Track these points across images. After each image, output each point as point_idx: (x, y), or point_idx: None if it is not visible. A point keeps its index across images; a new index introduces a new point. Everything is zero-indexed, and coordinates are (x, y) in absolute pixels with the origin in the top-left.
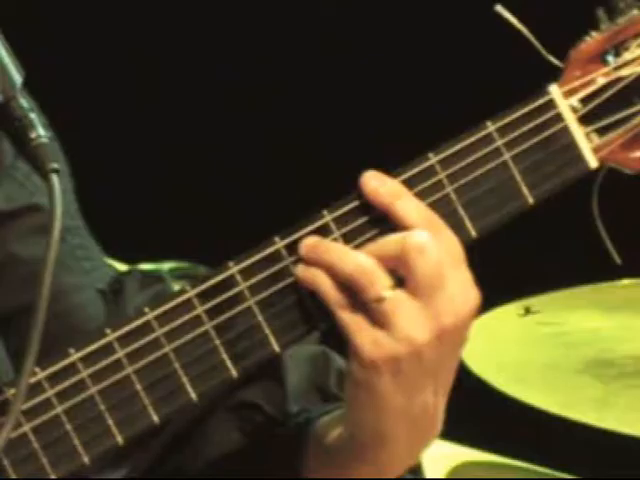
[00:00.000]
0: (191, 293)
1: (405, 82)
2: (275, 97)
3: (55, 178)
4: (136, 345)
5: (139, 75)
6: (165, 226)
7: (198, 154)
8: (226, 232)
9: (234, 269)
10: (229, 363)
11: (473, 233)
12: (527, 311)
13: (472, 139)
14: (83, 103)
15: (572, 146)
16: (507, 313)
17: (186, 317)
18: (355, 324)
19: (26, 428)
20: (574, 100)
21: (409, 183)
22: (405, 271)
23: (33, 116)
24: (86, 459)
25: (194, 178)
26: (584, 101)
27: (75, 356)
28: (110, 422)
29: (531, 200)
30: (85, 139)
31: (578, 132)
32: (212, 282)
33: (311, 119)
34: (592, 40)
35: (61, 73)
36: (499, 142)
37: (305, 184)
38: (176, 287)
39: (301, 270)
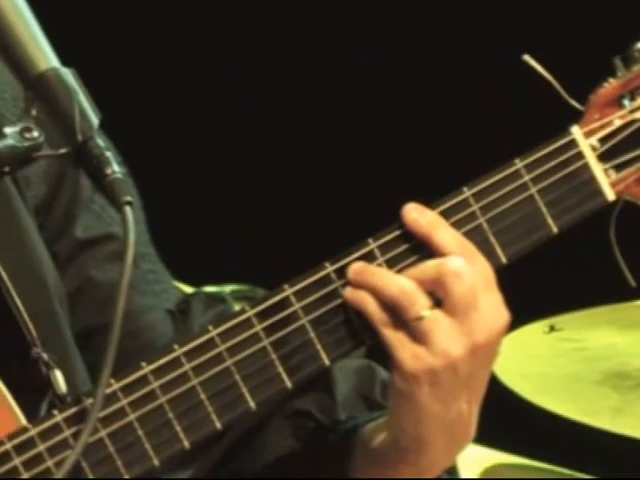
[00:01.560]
0: (250, 313)
1: (444, 125)
2: (328, 130)
3: (129, 210)
4: (201, 359)
5: (197, 114)
6: (226, 251)
7: (256, 183)
8: (281, 257)
9: (289, 291)
10: (284, 375)
11: (503, 259)
12: (551, 329)
13: (502, 175)
14: (147, 137)
15: (592, 181)
16: (534, 330)
17: (246, 334)
18: (397, 340)
19: (102, 434)
20: (593, 140)
21: (446, 214)
22: (442, 293)
23: (109, 154)
24: (156, 461)
25: (253, 209)
26: (602, 141)
27: (147, 369)
28: (178, 428)
29: (555, 229)
30: (154, 173)
31: (597, 168)
32: (269, 303)
33: (361, 152)
34: (609, 86)
35: (127, 111)
36: (526, 177)
37: (352, 211)
38: (237, 307)
39: (349, 292)
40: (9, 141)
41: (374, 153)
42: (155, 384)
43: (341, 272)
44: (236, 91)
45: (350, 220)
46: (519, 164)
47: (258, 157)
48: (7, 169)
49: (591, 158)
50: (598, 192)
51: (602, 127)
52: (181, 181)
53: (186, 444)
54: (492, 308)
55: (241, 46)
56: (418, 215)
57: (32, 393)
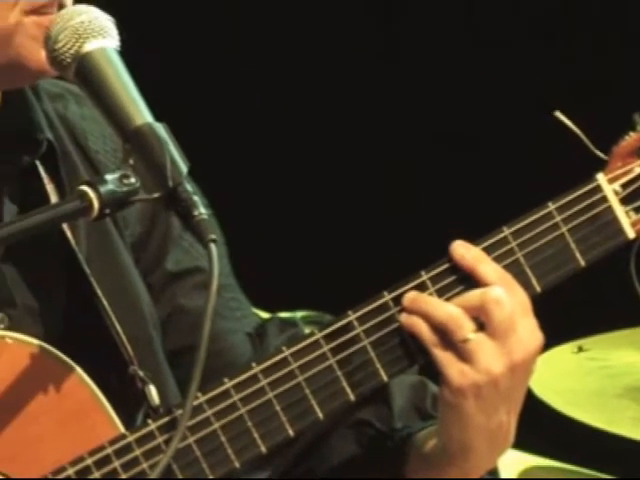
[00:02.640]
0: (319, 335)
1: (487, 172)
2: (393, 172)
3: (213, 247)
4: (276, 376)
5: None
6: (298, 281)
7: (319, 224)
8: (345, 286)
9: (352, 316)
10: (348, 390)
11: (538, 289)
12: (580, 349)
13: (537, 216)
14: (225, 174)
15: (614, 221)
16: (564, 351)
17: (315, 354)
18: (446, 359)
19: (190, 440)
20: (616, 185)
21: (488, 250)
22: (485, 318)
23: (196, 198)
24: (237, 464)
25: (319, 249)
26: (624, 186)
27: (229, 384)
28: (256, 435)
29: (583, 263)
30: (236, 212)
31: (619, 210)
32: (335, 327)
33: (413, 197)
34: (630, 138)
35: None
36: (558, 218)
37: (405, 245)
38: (307, 330)
39: (404, 317)
40: (110, 187)
41: (426, 198)
42: (236, 397)
43: (397, 300)
44: (315, 148)
45: (404, 253)
46: (551, 206)
47: (322, 198)
48: (108, 211)
49: (614, 201)
50: (620, 231)
51: (624, 174)
52: (260, 220)
53: (263, 449)
54: (528, 331)
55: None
56: (464, 251)
57: (130, 405)
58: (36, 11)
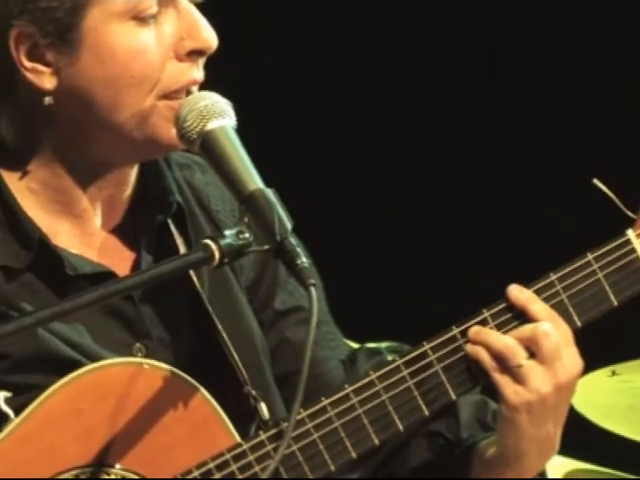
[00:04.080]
0: (399, 362)
1: (535, 229)
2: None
3: (313, 290)
4: (364, 395)
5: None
6: (383, 316)
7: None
8: (420, 321)
9: (427, 346)
10: (423, 406)
11: (579, 324)
12: (613, 373)
13: (578, 264)
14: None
15: None
16: (600, 375)
17: (396, 377)
18: (503, 381)
19: (294, 448)
20: None
21: (538, 292)
22: (535, 348)
23: (299, 249)
24: (333, 468)
25: (399, 288)
26: None
27: (326, 402)
28: (347, 444)
29: (615, 303)
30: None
31: None
32: (413, 355)
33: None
34: None
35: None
36: (595, 266)
37: (469, 288)
38: (389, 358)
39: (469, 347)
40: (228, 240)
41: (485, 244)
42: (332, 412)
43: (464, 333)
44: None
45: (468, 294)
46: (590, 256)
47: (400, 234)
48: (227, 260)
49: None
50: None
51: None
52: (351, 266)
53: (354, 455)
54: (571, 358)
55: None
56: (519, 292)
57: (244, 419)
58: (168, 96)
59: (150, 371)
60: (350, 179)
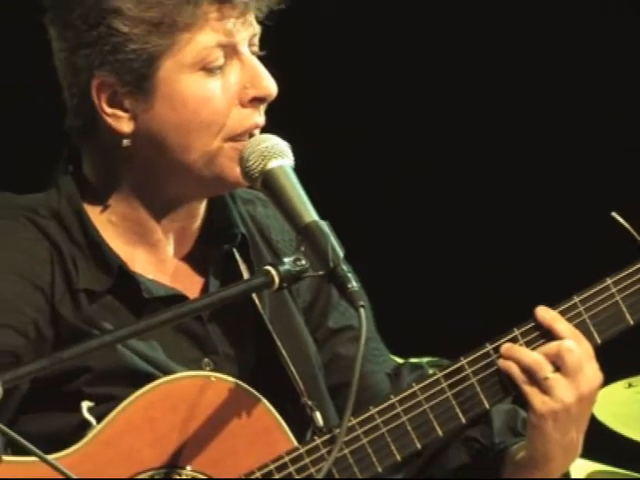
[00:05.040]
0: (439, 375)
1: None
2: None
3: (362, 311)
4: (408, 404)
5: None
6: (424, 334)
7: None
8: (460, 337)
9: (464, 361)
10: (460, 415)
11: (599, 341)
12: (629, 385)
13: (598, 288)
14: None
15: None
16: (617, 387)
17: (436, 389)
18: (531, 392)
19: (345, 451)
20: None
21: (563, 312)
22: (560, 362)
23: (349, 275)
24: (380, 469)
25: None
26: None
27: (373, 411)
28: (393, 448)
29: (632, 322)
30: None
31: None
32: (451, 369)
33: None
34: None
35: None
36: (613, 289)
37: (501, 309)
38: (430, 371)
39: (501, 362)
40: (287, 267)
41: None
42: (379, 420)
43: (497, 349)
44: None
45: (501, 315)
46: (609, 281)
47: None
48: (285, 284)
49: None
50: None
51: None
52: (397, 287)
53: (398, 458)
54: (592, 372)
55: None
56: (545, 313)
57: (301, 426)
58: (233, 139)
59: (217, 383)
60: (389, 211)
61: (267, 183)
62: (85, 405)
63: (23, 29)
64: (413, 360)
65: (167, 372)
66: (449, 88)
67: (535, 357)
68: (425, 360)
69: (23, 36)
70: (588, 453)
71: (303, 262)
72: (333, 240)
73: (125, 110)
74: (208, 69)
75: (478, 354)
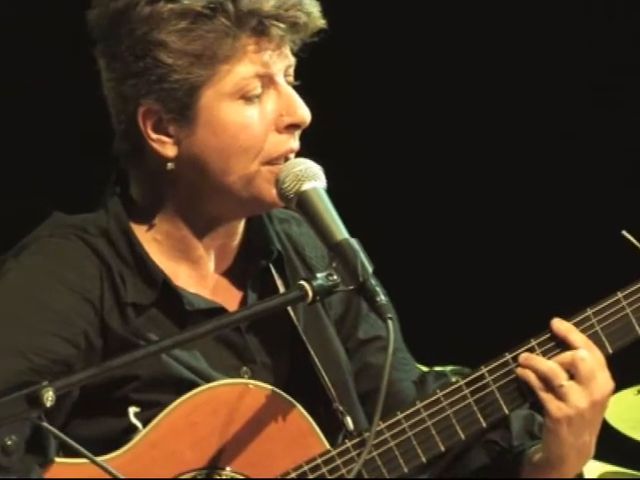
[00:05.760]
0: (461, 382)
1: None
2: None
3: (390, 323)
4: (432, 409)
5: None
6: (447, 343)
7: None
8: (479, 348)
9: (484, 370)
10: (481, 419)
11: (610, 351)
12: (639, 392)
13: (609, 301)
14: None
15: None
16: (628, 393)
17: (459, 395)
18: (548, 398)
19: (374, 454)
20: None
21: (577, 324)
22: (574, 371)
23: (378, 288)
24: (406, 470)
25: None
26: None
27: (400, 416)
28: (418, 450)
29: None
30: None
31: None
32: (473, 377)
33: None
34: None
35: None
36: (624, 303)
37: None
38: (453, 379)
39: (520, 370)
40: (320, 281)
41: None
42: (405, 424)
43: (515, 358)
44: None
45: (519, 326)
46: (620, 295)
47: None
48: (318, 298)
49: None
50: None
51: None
52: (420, 299)
53: (424, 459)
54: (604, 379)
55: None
56: (560, 325)
57: (333, 430)
58: (270, 162)
59: (255, 390)
60: (414, 229)
61: (301, 203)
62: (132, 410)
63: (72, 61)
64: (437, 368)
65: (208, 380)
66: (480, 109)
67: (551, 366)
68: (449, 368)
69: (73, 68)
70: (600, 455)
71: (335, 277)
72: (362, 256)
73: (169, 136)
74: (247, 98)
75: (498, 363)
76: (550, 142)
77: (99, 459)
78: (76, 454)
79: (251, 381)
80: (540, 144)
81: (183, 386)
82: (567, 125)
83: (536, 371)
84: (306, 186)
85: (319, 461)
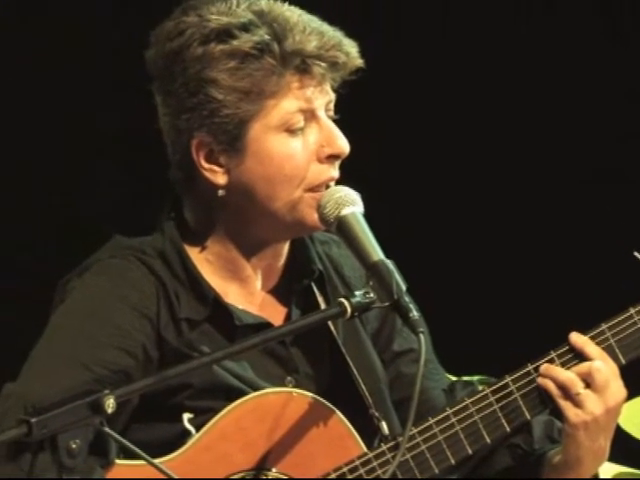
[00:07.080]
0: (487, 391)
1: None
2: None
3: (422, 336)
4: (461, 415)
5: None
6: (476, 355)
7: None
8: (502, 357)
9: (508, 379)
10: (506, 425)
11: (623, 362)
12: None
13: (622, 317)
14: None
15: None
16: (639, 401)
17: (485, 402)
18: (566, 405)
19: (407, 456)
20: None
21: (593, 338)
22: (590, 380)
23: (411, 305)
24: (436, 471)
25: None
26: None
27: (431, 421)
28: (448, 453)
29: None
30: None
31: None
32: (497, 385)
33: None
34: None
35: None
36: (636, 318)
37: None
38: (480, 388)
39: (540, 379)
40: (357, 299)
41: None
42: (436, 429)
43: (536, 369)
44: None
45: (541, 340)
46: (632, 310)
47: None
48: (356, 314)
49: None
50: None
51: None
52: (450, 313)
53: (453, 461)
54: (617, 388)
55: None
56: (577, 338)
57: (369, 435)
58: (312, 189)
59: (298, 398)
60: (444, 247)
61: (341, 227)
62: (186, 416)
63: (130, 97)
64: (465, 378)
65: (255, 388)
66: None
67: (569, 375)
68: (475, 378)
69: (130, 103)
70: (614, 457)
71: (371, 295)
72: (397, 276)
73: (220, 165)
74: (291, 130)
75: (521, 373)
76: (576, 157)
77: (156, 461)
78: (134, 456)
79: (295, 390)
80: (566, 162)
81: (233, 394)
82: (590, 138)
83: (555, 380)
84: (345, 211)
85: (357, 463)
